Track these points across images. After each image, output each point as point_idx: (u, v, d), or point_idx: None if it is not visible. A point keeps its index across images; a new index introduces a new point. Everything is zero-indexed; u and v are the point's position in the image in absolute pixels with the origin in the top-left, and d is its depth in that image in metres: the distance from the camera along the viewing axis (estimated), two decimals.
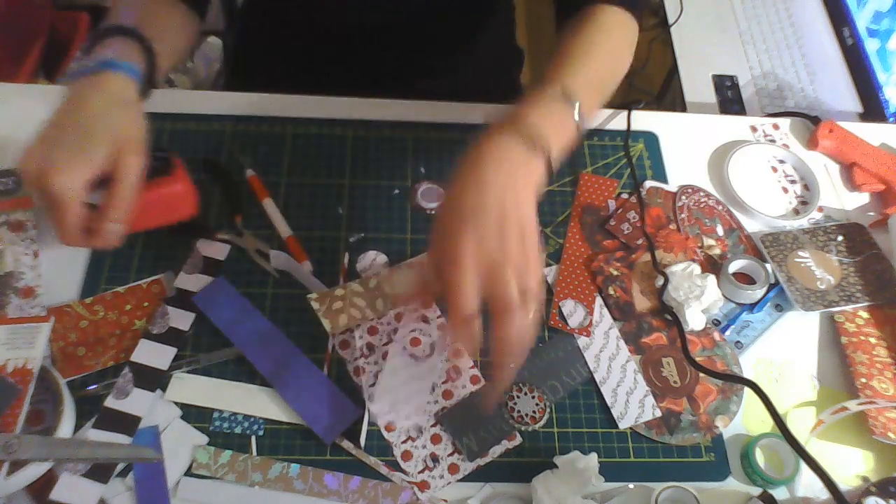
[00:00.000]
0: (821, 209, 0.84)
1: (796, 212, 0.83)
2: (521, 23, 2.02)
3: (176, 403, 0.65)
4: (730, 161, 0.84)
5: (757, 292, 0.74)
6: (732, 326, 0.74)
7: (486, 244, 0.52)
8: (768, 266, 0.76)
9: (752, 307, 0.75)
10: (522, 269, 0.53)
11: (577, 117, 0.62)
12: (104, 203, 0.59)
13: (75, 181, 0.57)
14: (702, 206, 0.82)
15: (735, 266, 0.76)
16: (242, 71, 1.06)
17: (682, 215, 0.81)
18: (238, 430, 0.64)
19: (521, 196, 0.55)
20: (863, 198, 0.86)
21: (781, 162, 0.88)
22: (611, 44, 0.70)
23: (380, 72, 0.93)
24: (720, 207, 0.82)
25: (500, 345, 0.53)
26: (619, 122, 0.88)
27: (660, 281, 0.73)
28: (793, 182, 0.86)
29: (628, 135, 0.87)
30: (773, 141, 0.89)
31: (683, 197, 0.82)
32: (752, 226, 0.82)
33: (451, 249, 0.52)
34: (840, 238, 0.80)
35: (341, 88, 0.86)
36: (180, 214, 0.67)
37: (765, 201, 0.83)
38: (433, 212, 0.79)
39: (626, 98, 0.92)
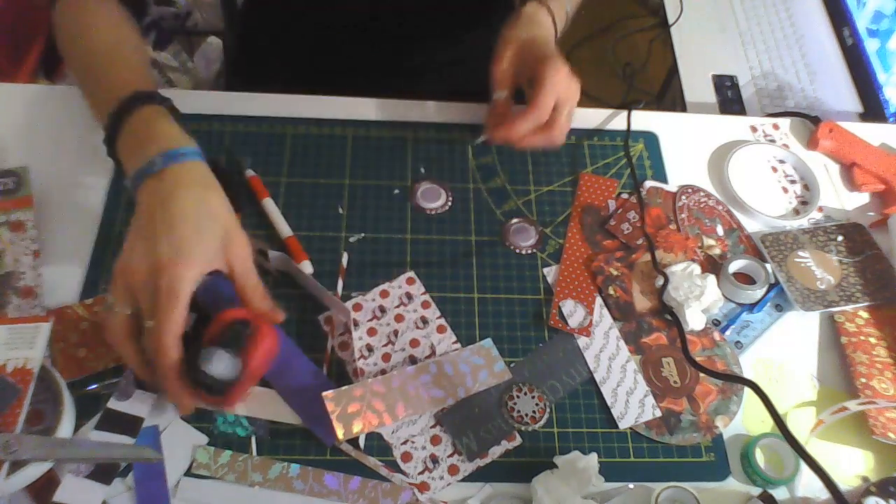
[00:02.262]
0: (821, 209, 0.84)
1: (796, 212, 0.83)
2: None
3: None
4: (730, 161, 0.84)
5: (757, 292, 0.74)
6: (732, 326, 0.74)
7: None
8: (768, 266, 0.76)
9: (752, 307, 0.75)
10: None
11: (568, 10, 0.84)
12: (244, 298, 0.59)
13: (194, 273, 0.55)
14: (702, 206, 0.82)
15: (735, 266, 0.76)
16: (243, 71, 1.06)
17: (682, 215, 0.81)
18: (242, 433, 0.64)
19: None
20: (863, 198, 0.86)
21: (781, 162, 0.88)
22: None
23: (380, 69, 0.93)
24: (720, 207, 0.82)
25: (548, 131, 0.74)
26: (619, 122, 0.88)
27: (660, 281, 0.73)
28: (793, 182, 0.86)
29: (628, 135, 0.87)
30: (773, 141, 0.89)
31: (683, 197, 0.82)
32: (752, 226, 0.82)
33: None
34: (840, 238, 0.80)
35: (342, 86, 0.86)
36: (274, 355, 0.64)
37: (765, 201, 0.83)
38: (433, 212, 0.79)
39: (626, 98, 0.92)
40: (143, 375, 0.60)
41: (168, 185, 0.58)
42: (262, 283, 0.61)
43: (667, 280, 0.73)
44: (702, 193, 0.83)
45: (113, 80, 0.65)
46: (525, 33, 0.76)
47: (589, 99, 0.80)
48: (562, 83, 0.72)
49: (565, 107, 0.74)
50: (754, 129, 0.90)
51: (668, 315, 0.72)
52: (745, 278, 0.77)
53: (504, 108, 0.78)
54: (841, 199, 0.85)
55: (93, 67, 0.68)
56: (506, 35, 0.77)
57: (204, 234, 0.57)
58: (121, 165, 0.63)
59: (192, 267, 0.56)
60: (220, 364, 0.60)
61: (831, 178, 0.87)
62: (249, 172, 0.79)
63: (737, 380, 0.67)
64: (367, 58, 0.93)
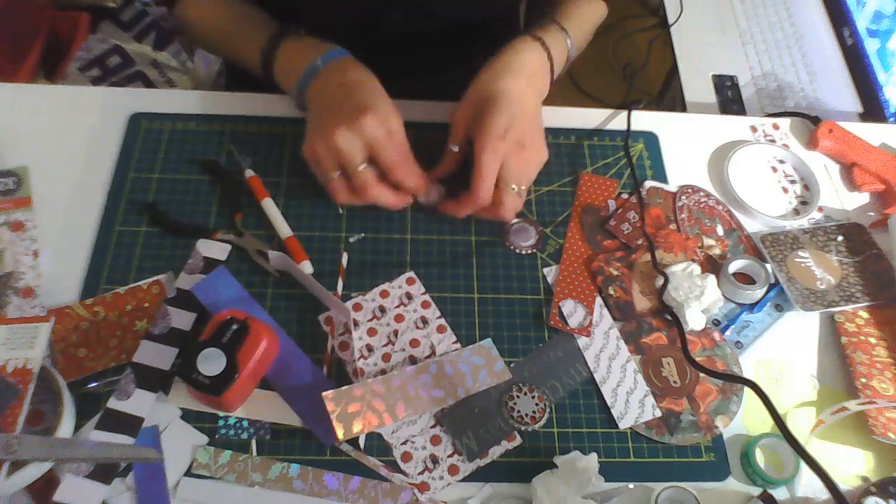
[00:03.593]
0: (821, 209, 0.84)
1: (796, 212, 0.83)
2: None
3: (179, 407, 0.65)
4: (730, 161, 0.84)
5: (757, 292, 0.74)
6: (732, 326, 0.74)
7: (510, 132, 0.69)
8: (768, 266, 0.76)
9: (752, 307, 0.75)
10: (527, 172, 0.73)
11: (569, 47, 0.80)
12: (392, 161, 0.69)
13: (397, 119, 0.69)
14: (702, 206, 0.82)
15: (735, 266, 0.76)
16: (245, 71, 1.06)
17: (682, 215, 0.81)
18: (245, 436, 0.64)
19: (535, 103, 0.74)
20: (863, 198, 0.86)
21: (781, 162, 0.88)
22: (589, 13, 0.87)
23: (382, 69, 0.93)
24: (720, 207, 0.82)
25: (494, 211, 0.72)
26: (619, 122, 0.88)
27: (660, 281, 0.73)
28: (793, 182, 0.86)
29: (628, 135, 0.87)
30: (773, 141, 0.89)
31: (683, 197, 0.82)
32: (752, 226, 0.82)
33: (484, 128, 0.69)
34: (840, 238, 0.80)
35: None
36: (273, 356, 0.67)
37: (765, 201, 0.83)
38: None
39: (626, 98, 0.92)
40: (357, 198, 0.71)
41: (335, 73, 0.71)
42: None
43: (667, 280, 0.73)
44: (702, 193, 0.83)
45: (255, 28, 0.79)
46: (492, 86, 0.71)
47: (589, 99, 0.81)
48: (499, 162, 0.69)
49: (510, 184, 0.70)
50: (754, 130, 0.90)
51: (668, 315, 0.72)
52: (745, 278, 0.77)
53: (451, 163, 0.76)
54: (841, 199, 0.85)
55: (231, 29, 0.82)
56: (475, 81, 0.73)
57: (381, 91, 0.70)
58: (280, 85, 0.77)
59: (389, 104, 0.69)
60: (215, 363, 0.61)
61: (831, 178, 0.87)
62: (249, 172, 0.79)
63: (737, 380, 0.67)
64: (368, 57, 0.92)
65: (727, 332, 0.73)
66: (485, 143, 0.68)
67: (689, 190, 0.83)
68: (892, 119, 1.05)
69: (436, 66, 0.95)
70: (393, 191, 0.72)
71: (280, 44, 0.76)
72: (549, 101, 0.79)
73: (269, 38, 0.76)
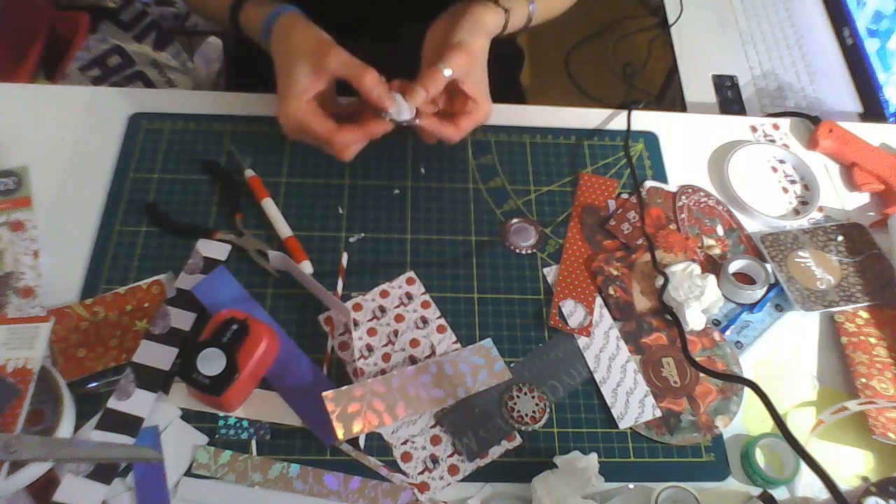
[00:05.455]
0: (821, 209, 0.84)
1: (796, 212, 0.83)
2: None
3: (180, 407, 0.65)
4: (730, 161, 0.84)
5: (757, 292, 0.74)
6: (732, 326, 0.74)
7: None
8: (768, 266, 0.76)
9: (752, 307, 0.75)
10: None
11: (531, 13, 0.81)
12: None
13: (300, 99, 0.68)
14: (702, 206, 0.82)
15: (735, 266, 0.76)
16: (245, 71, 1.06)
17: (682, 215, 0.81)
18: (245, 436, 0.64)
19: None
20: (863, 198, 0.86)
21: (781, 162, 0.88)
22: None
23: (381, 66, 0.93)
24: (720, 207, 0.82)
25: (454, 131, 0.72)
26: (619, 122, 0.88)
27: (660, 281, 0.73)
28: (793, 182, 0.86)
29: (628, 135, 0.87)
30: (773, 141, 0.89)
31: (683, 197, 0.82)
32: (752, 226, 0.82)
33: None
34: (840, 238, 0.80)
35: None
36: (273, 356, 0.67)
37: (765, 201, 0.83)
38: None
39: (626, 98, 0.92)
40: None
41: (278, 41, 0.72)
42: (370, 68, 0.69)
43: (667, 280, 0.73)
44: (702, 193, 0.83)
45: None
46: (458, 36, 0.72)
47: (589, 99, 0.80)
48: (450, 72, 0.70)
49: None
50: (754, 130, 0.90)
51: (668, 315, 0.72)
52: (745, 278, 0.77)
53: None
54: (841, 199, 0.85)
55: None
56: (439, 27, 0.74)
57: (291, 70, 0.69)
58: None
59: (296, 97, 0.68)
60: (215, 363, 0.61)
61: (831, 178, 0.87)
62: (249, 172, 0.79)
63: (737, 380, 0.67)
64: (368, 55, 0.92)
65: (727, 332, 0.73)
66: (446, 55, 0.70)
67: (689, 190, 0.83)
68: (892, 119, 1.05)
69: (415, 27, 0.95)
70: (364, 127, 0.70)
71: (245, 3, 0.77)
72: (549, 101, 0.79)
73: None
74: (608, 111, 0.89)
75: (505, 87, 1.05)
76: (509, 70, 1.08)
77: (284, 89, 0.69)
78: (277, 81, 0.71)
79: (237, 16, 0.77)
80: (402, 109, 0.70)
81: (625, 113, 0.88)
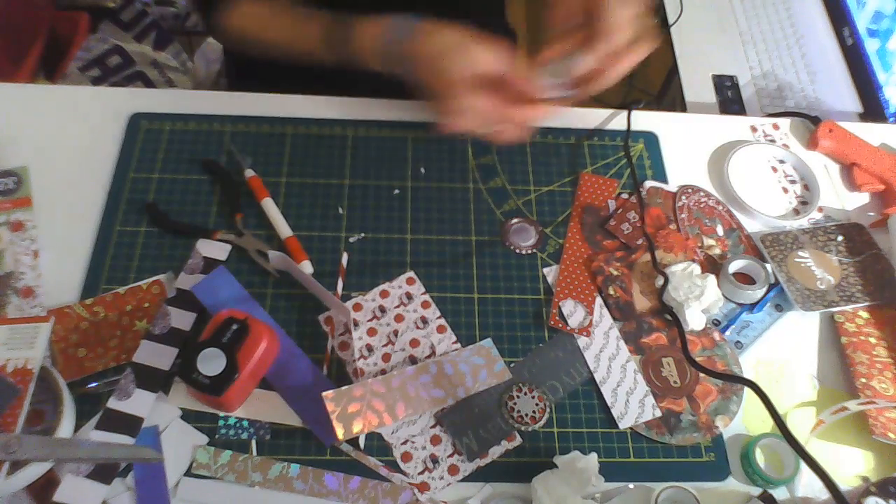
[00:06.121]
0: (821, 209, 0.84)
1: (796, 212, 0.83)
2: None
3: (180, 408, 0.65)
4: (730, 161, 0.84)
5: (757, 292, 0.74)
6: (732, 326, 0.74)
7: None
8: (768, 266, 0.76)
9: (751, 307, 0.75)
10: None
11: None
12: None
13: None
14: (702, 206, 0.82)
15: (735, 266, 0.76)
16: (245, 72, 1.06)
17: (682, 215, 0.81)
18: (245, 436, 0.64)
19: None
20: (863, 198, 0.86)
21: (781, 162, 0.88)
22: None
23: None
24: (720, 207, 0.82)
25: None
26: (619, 122, 0.88)
27: (660, 281, 0.73)
28: (793, 182, 0.86)
29: (628, 135, 0.87)
30: (773, 141, 0.89)
31: (683, 197, 0.82)
32: (752, 226, 0.82)
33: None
34: (840, 238, 0.80)
35: (342, 85, 0.86)
36: (273, 356, 0.67)
37: (765, 201, 0.83)
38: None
39: (626, 98, 0.92)
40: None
41: (426, 36, 0.71)
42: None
43: (667, 280, 0.72)
44: (702, 193, 0.83)
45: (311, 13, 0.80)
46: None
47: (589, 99, 0.80)
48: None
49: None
50: (754, 130, 0.90)
51: (668, 315, 0.72)
52: (745, 278, 0.77)
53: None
54: (841, 199, 0.85)
55: (288, 20, 0.82)
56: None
57: (465, 43, 0.69)
58: (358, 49, 0.75)
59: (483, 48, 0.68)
60: (215, 363, 0.61)
61: (831, 178, 0.87)
62: (249, 172, 0.79)
63: (737, 380, 0.67)
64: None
65: (727, 332, 0.73)
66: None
67: (689, 190, 0.83)
68: (892, 119, 1.05)
69: None
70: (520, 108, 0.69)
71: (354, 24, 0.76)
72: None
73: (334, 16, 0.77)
74: (608, 111, 0.89)
75: None
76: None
77: (465, 44, 0.68)
78: (435, 64, 0.69)
79: (342, 35, 0.76)
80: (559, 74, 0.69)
81: (624, 113, 0.88)
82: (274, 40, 0.86)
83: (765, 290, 0.75)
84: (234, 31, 0.86)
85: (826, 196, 0.85)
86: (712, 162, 0.86)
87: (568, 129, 0.87)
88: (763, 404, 0.60)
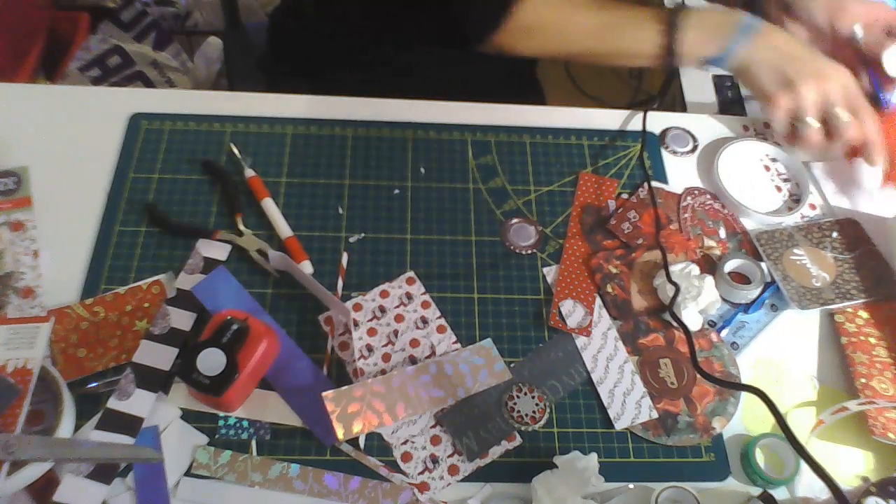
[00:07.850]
0: (813, 206, 0.84)
1: (789, 209, 0.83)
2: None
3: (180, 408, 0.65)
4: (720, 157, 0.84)
5: (752, 292, 0.74)
6: (728, 327, 0.74)
7: None
8: (763, 265, 0.76)
9: (747, 307, 0.75)
10: None
11: None
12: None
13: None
14: (706, 208, 0.82)
15: (730, 265, 0.76)
16: (245, 70, 1.06)
17: (686, 215, 0.81)
18: (245, 436, 0.64)
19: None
20: (855, 193, 0.85)
21: (774, 160, 0.87)
22: None
23: (382, 66, 0.93)
24: (724, 210, 0.82)
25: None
26: (618, 121, 0.88)
27: (671, 291, 0.71)
28: (786, 180, 0.86)
29: (644, 136, 0.86)
30: (764, 139, 0.89)
31: (689, 198, 0.82)
32: (746, 224, 0.82)
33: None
34: (835, 234, 0.80)
35: (351, 87, 0.86)
36: (273, 356, 0.67)
37: (758, 200, 0.83)
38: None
39: (632, 99, 0.91)
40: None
41: (775, 35, 0.77)
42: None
43: (678, 291, 0.70)
44: (708, 196, 0.83)
45: (642, 16, 0.80)
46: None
47: (589, 99, 0.80)
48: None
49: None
50: (746, 129, 0.90)
51: (677, 324, 0.68)
52: (741, 278, 0.76)
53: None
54: (833, 195, 0.85)
55: (617, 21, 0.81)
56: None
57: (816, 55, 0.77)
58: (689, 50, 0.78)
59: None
60: (215, 363, 0.61)
61: (824, 174, 0.87)
62: (249, 172, 0.79)
63: (743, 388, 0.67)
64: (370, 53, 0.93)
65: (723, 333, 0.73)
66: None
67: (696, 192, 0.83)
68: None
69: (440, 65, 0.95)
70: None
71: (681, 17, 0.78)
72: (549, 101, 0.79)
73: (670, 15, 0.78)
74: (608, 111, 0.89)
75: (520, 81, 1.04)
76: (526, 62, 1.07)
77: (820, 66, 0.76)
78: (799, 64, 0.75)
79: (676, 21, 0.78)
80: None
81: (624, 112, 0.88)
82: (585, 32, 0.82)
83: (760, 289, 0.74)
84: (528, 26, 0.81)
85: (819, 193, 0.85)
86: (708, 161, 0.86)
87: (568, 129, 0.87)
88: (768, 409, 0.60)
